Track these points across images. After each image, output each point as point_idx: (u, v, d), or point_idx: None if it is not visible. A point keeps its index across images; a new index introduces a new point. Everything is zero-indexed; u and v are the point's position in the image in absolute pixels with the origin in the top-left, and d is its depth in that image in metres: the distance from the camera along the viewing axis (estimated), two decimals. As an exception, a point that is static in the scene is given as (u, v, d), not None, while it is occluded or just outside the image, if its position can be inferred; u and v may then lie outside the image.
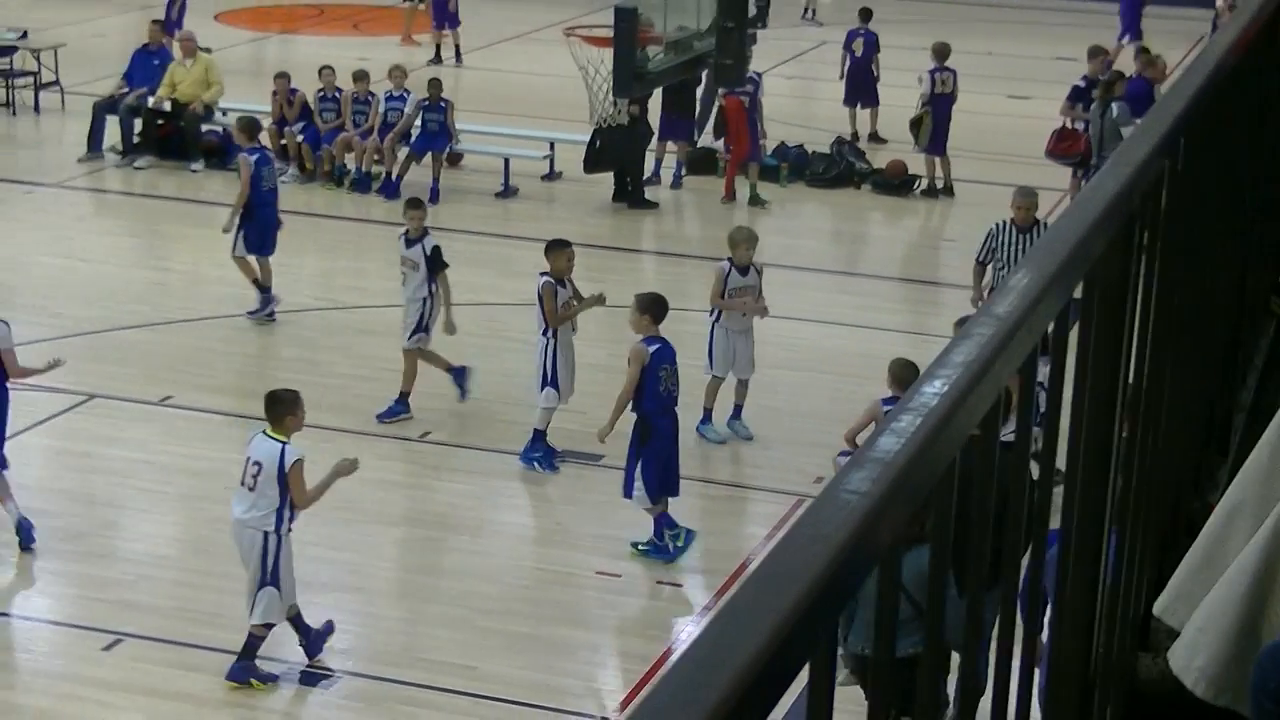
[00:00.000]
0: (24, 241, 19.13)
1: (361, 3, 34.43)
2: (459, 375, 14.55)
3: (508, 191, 21.24)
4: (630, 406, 12.26)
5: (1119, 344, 3.20)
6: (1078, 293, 2.82)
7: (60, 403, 14.51)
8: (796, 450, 13.87)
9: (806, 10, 32.70)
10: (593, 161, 20.76)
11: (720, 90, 21.28)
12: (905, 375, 11.74)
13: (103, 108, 22.42)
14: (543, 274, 13.53)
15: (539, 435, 13.57)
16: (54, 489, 13.07)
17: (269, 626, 10.53)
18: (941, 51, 21.76)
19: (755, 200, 21.02)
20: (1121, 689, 3.57)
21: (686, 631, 11.41)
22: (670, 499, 12.25)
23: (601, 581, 11.93)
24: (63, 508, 12.74)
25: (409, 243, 14.46)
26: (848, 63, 24.27)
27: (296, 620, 10.69)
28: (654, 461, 12.11)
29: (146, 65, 22.76)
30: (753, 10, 21.69)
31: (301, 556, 12.15)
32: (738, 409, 14.31)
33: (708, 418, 14.23)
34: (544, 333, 13.48)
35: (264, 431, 10.65)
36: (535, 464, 13.51)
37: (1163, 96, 3.78)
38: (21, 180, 21.42)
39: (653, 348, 12.14)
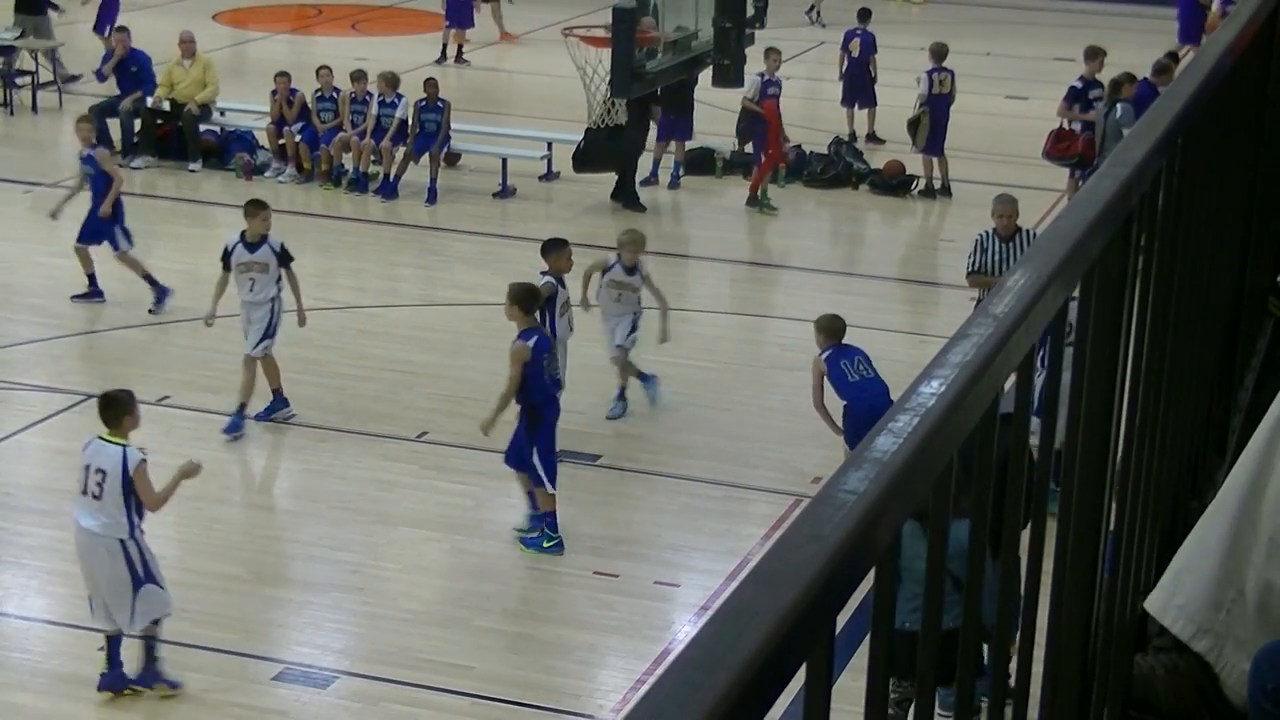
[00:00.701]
0: (24, 241, 19.12)
1: (361, 3, 34.43)
2: (279, 403, 14.34)
3: (505, 192, 21.24)
4: (515, 398, 12.37)
5: (1116, 344, 3.21)
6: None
7: (59, 402, 14.51)
8: (794, 450, 13.87)
9: (812, 9, 32.67)
10: (579, 161, 20.76)
11: (747, 95, 21.13)
12: (835, 325, 12.88)
13: (100, 110, 22.37)
14: (544, 273, 13.53)
15: (534, 436, 13.58)
16: (53, 489, 13.06)
17: (158, 623, 10.28)
18: (939, 52, 21.76)
19: (762, 203, 20.94)
20: (1118, 689, 3.58)
21: (684, 631, 11.41)
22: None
23: (599, 581, 11.94)
24: (62, 507, 12.72)
25: (252, 247, 14.06)
26: (845, 63, 24.27)
27: (117, 642, 10.34)
28: (544, 449, 12.27)
29: (125, 74, 22.70)
30: (751, 10, 21.67)
31: (301, 556, 12.19)
32: (646, 375, 14.84)
33: (641, 377, 14.81)
34: None
35: (100, 436, 10.21)
36: (533, 465, 13.53)
37: (1160, 97, 3.78)
38: (21, 180, 21.41)
39: (530, 341, 12.21)
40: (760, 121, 20.86)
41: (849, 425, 12.71)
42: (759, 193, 20.88)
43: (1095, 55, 20.98)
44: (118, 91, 22.75)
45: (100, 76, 23.59)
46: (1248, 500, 3.46)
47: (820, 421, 12.92)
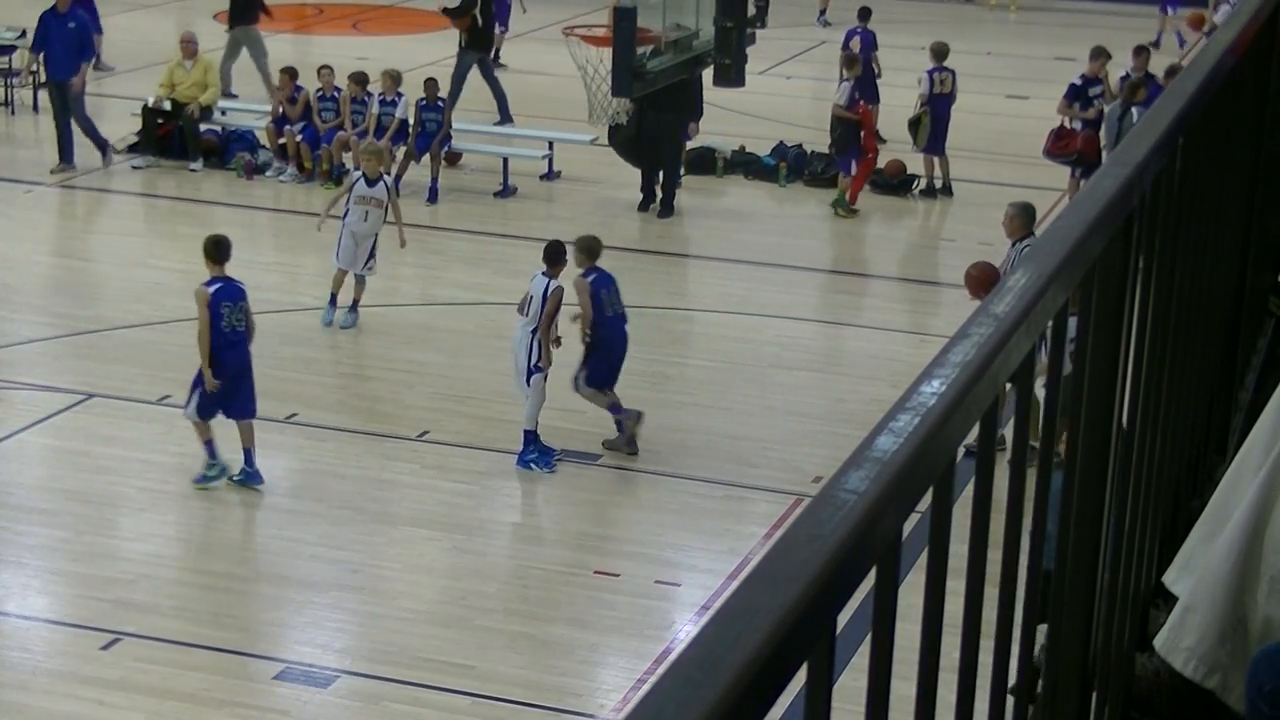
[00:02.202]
0: (24, 241, 19.12)
1: (362, 2, 34.43)
2: None
3: (506, 191, 21.23)
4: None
5: (1117, 343, 3.21)
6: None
7: (60, 402, 14.51)
8: (795, 450, 13.87)
9: (823, 14, 32.66)
10: (617, 146, 20.78)
11: (839, 102, 21.00)
12: (595, 247, 13.72)
13: (63, 112, 21.67)
14: (550, 280, 13.42)
15: (530, 436, 13.54)
16: (53, 488, 13.07)
17: None
18: (940, 51, 21.75)
19: (837, 204, 20.87)
20: (1119, 689, 3.58)
21: (685, 631, 11.41)
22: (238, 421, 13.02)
23: (599, 581, 11.94)
24: (62, 507, 12.74)
25: None
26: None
27: None
28: (212, 391, 12.83)
29: (61, 31, 21.65)
30: (752, 9, 21.64)
31: (301, 556, 12.19)
32: (355, 303, 16.32)
33: (332, 301, 16.29)
34: (532, 330, 13.42)
35: None
36: (532, 465, 13.50)
37: (1162, 96, 3.78)
38: (21, 180, 21.40)
39: (212, 289, 12.86)
40: (853, 126, 20.76)
41: (597, 361, 13.53)
42: (840, 195, 20.80)
43: (1099, 55, 20.96)
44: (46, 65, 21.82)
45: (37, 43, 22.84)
46: (1251, 538, 3.47)
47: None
